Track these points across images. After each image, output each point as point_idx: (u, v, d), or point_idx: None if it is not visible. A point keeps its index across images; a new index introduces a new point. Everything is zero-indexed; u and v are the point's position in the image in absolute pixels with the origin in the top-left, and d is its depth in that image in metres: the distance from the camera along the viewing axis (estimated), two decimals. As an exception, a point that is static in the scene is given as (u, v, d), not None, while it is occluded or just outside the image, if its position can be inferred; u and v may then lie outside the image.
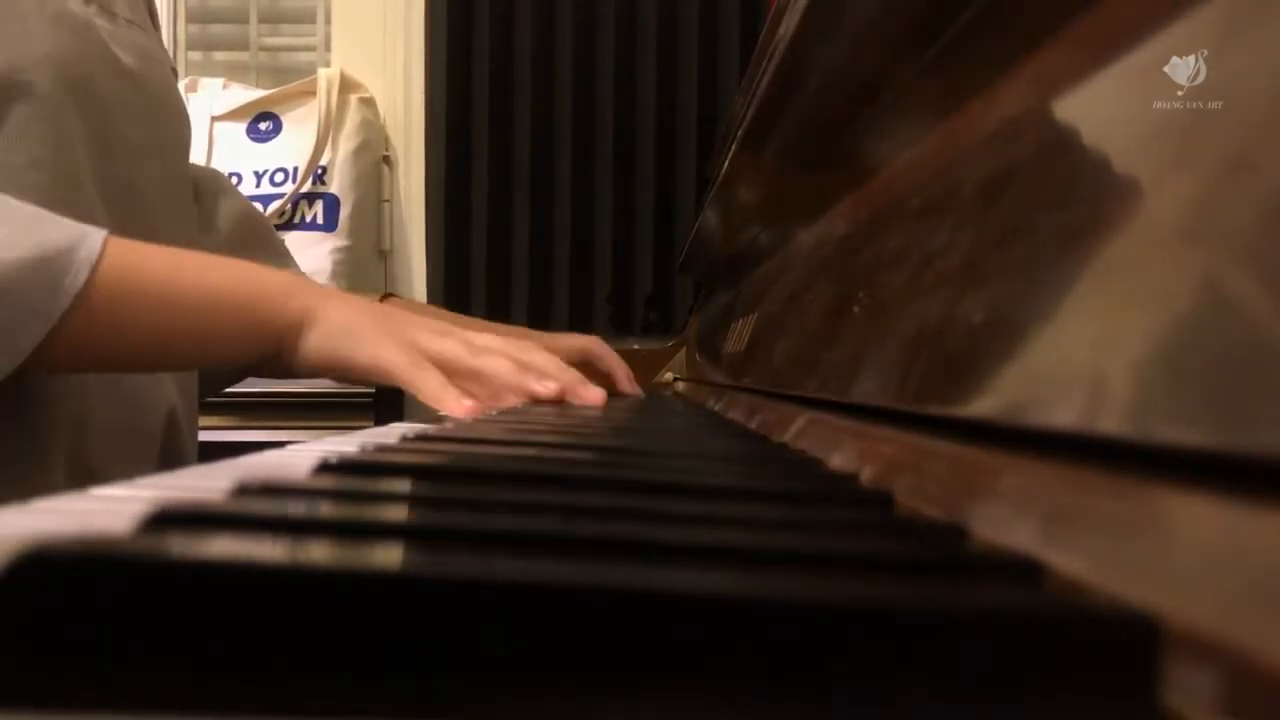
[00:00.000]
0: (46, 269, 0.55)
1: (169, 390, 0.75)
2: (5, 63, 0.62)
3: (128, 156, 0.71)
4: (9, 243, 0.54)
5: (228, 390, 0.94)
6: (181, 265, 0.63)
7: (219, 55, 2.05)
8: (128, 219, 0.69)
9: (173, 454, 0.76)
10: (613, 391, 0.89)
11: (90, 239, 0.57)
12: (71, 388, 0.65)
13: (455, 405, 0.60)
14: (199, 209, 0.89)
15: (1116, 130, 0.26)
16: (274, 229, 1.02)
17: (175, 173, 0.78)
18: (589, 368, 0.88)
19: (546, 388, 0.66)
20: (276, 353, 0.65)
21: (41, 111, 0.63)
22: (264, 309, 0.64)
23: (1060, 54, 0.33)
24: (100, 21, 0.70)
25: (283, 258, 0.95)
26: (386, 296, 1.03)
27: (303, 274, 0.95)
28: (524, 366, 0.66)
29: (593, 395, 0.69)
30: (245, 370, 0.87)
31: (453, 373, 0.63)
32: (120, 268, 0.58)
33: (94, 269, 0.56)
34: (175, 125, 0.80)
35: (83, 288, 0.56)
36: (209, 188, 0.91)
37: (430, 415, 0.64)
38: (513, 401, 0.65)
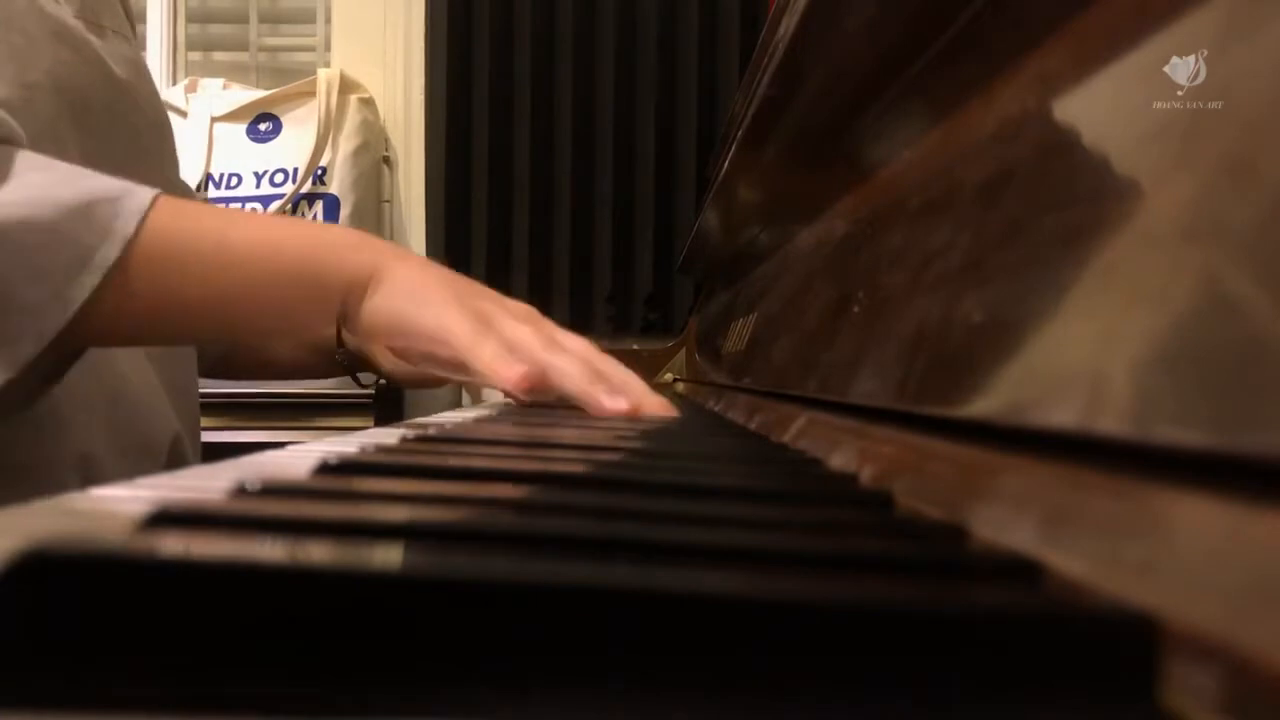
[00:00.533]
0: (95, 213, 0.52)
1: (171, 419, 0.73)
2: (13, 78, 0.60)
3: (122, 171, 0.70)
4: (53, 186, 0.51)
5: (228, 390, 0.93)
6: (236, 221, 0.59)
7: (219, 55, 2.05)
8: None
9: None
10: None
11: (139, 190, 0.54)
12: (78, 419, 0.63)
13: (508, 371, 0.53)
14: None
15: (1116, 130, 0.26)
16: None
17: (168, 185, 0.77)
18: None
19: (616, 404, 0.57)
20: (341, 312, 0.59)
21: (41, 131, 0.60)
22: (328, 262, 0.58)
23: (1060, 54, 0.33)
24: (92, 37, 0.68)
25: None
26: None
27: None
28: (598, 375, 0.57)
29: (658, 406, 0.60)
30: (303, 362, 0.85)
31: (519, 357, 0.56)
32: (172, 220, 0.54)
33: (144, 218, 0.53)
34: (165, 135, 0.79)
35: (134, 235, 0.52)
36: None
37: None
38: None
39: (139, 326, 0.57)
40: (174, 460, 0.73)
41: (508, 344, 0.56)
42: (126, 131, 0.70)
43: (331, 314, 0.59)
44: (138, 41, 0.82)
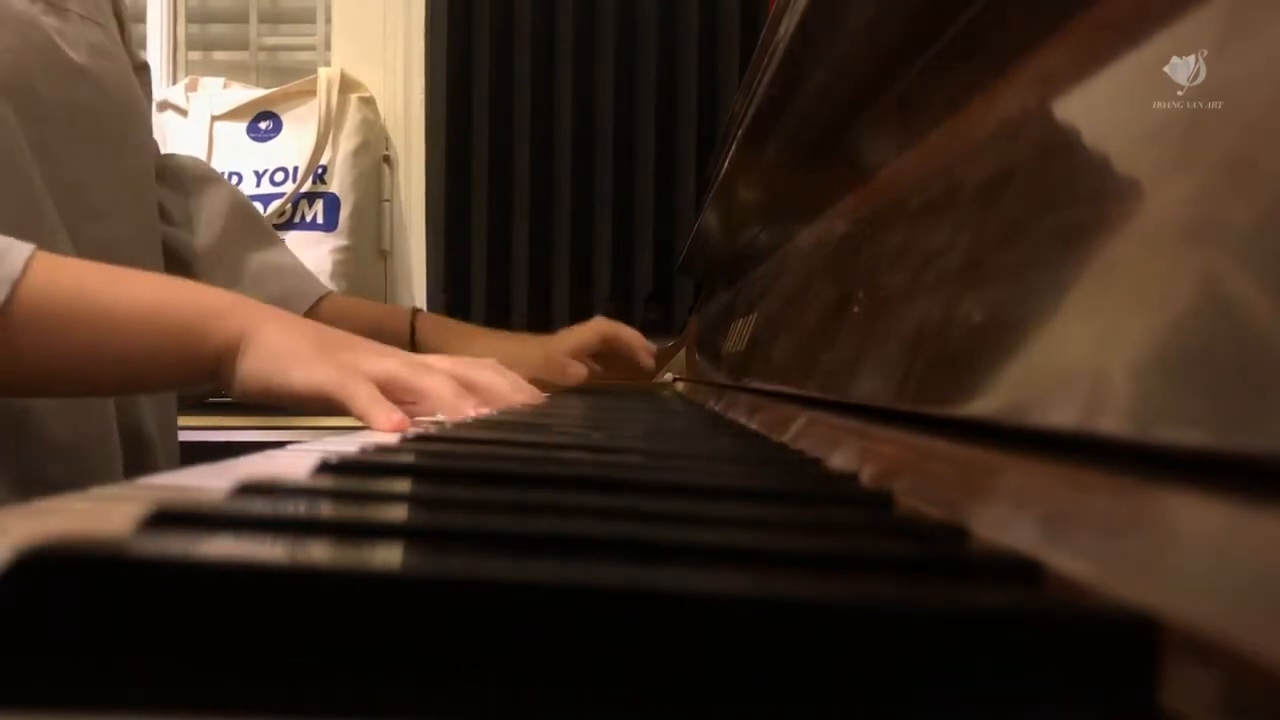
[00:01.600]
0: None
1: (129, 401, 0.72)
2: None
3: (74, 158, 0.69)
4: None
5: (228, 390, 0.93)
6: (114, 282, 0.59)
7: (219, 55, 2.05)
8: (78, 221, 0.68)
9: (141, 466, 0.73)
10: (635, 365, 0.92)
11: (11, 255, 0.54)
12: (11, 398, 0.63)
13: (384, 418, 0.56)
14: (178, 201, 0.86)
15: (1116, 130, 0.26)
16: (263, 217, 0.99)
17: (130, 171, 0.76)
18: (609, 349, 0.89)
19: (481, 414, 0.61)
20: (214, 377, 0.61)
21: None
22: (199, 329, 0.60)
23: (1060, 54, 0.33)
24: (49, 20, 0.67)
25: (275, 244, 0.93)
26: (417, 313, 0.99)
27: (292, 259, 0.92)
28: (469, 387, 0.62)
29: (528, 398, 0.67)
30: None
31: (391, 391, 0.59)
32: (46, 285, 0.55)
33: (14, 286, 0.53)
34: (133, 121, 0.77)
35: (2, 304, 0.53)
36: (194, 178, 0.88)
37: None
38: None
39: (15, 388, 0.59)
40: (134, 445, 0.73)
41: (379, 382, 0.59)
42: (84, 119, 0.69)
43: (207, 375, 0.61)
44: (120, 27, 0.80)
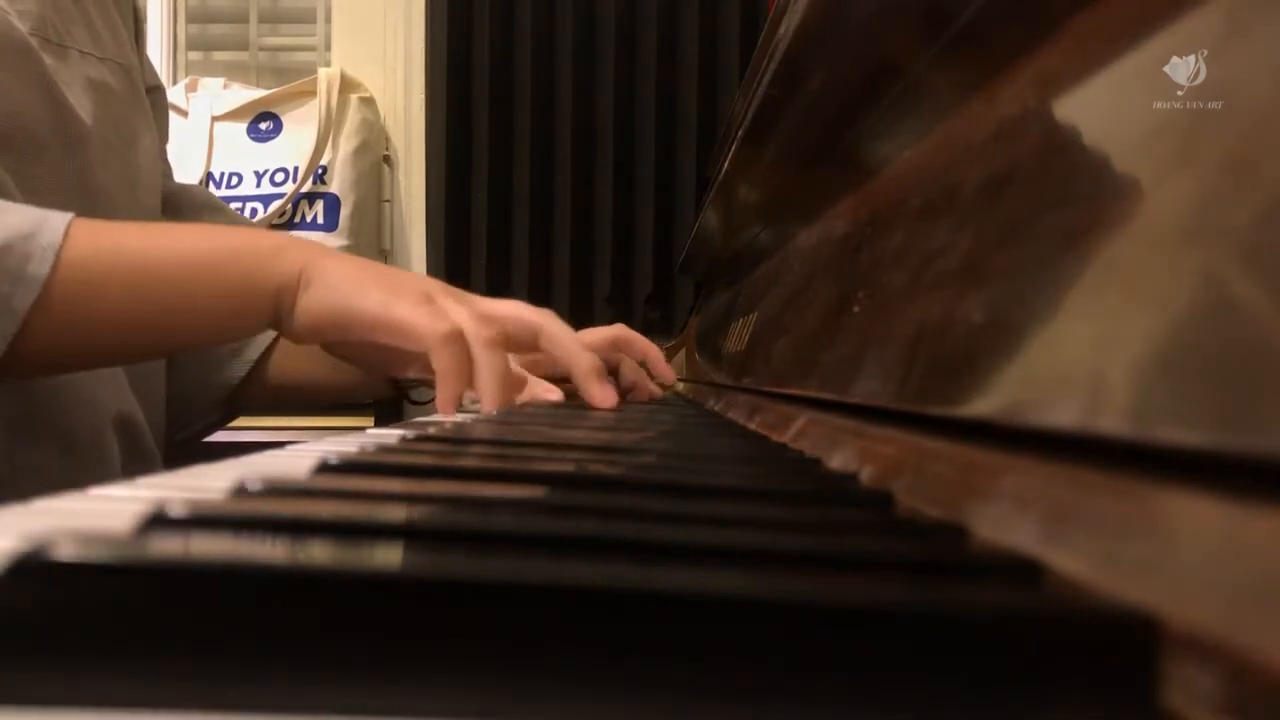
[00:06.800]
0: (6, 258, 0.51)
1: (118, 395, 0.71)
2: None
3: (64, 202, 0.67)
4: None
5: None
6: (156, 237, 0.58)
7: (219, 55, 2.05)
8: None
9: (136, 461, 0.72)
10: (648, 374, 0.88)
11: (52, 221, 0.53)
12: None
13: (458, 387, 0.55)
14: None
15: (1116, 130, 0.26)
16: None
17: (120, 212, 0.73)
18: (621, 355, 0.86)
19: (553, 392, 0.61)
20: (275, 317, 0.59)
21: None
22: (254, 268, 0.58)
23: (1060, 54, 0.33)
24: (46, 56, 0.65)
25: None
26: None
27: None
28: (565, 352, 0.63)
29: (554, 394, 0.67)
30: (225, 402, 0.82)
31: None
32: (88, 248, 0.54)
33: (59, 253, 0.52)
34: (131, 161, 0.74)
35: (49, 274, 0.52)
36: (193, 206, 0.86)
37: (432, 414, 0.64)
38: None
39: (72, 357, 0.57)
40: (129, 438, 0.71)
41: (454, 332, 0.57)
42: (78, 159, 0.67)
43: (265, 318, 0.59)
44: (136, 49, 0.79)
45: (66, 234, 0.53)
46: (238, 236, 0.61)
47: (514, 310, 0.64)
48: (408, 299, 0.58)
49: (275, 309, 0.59)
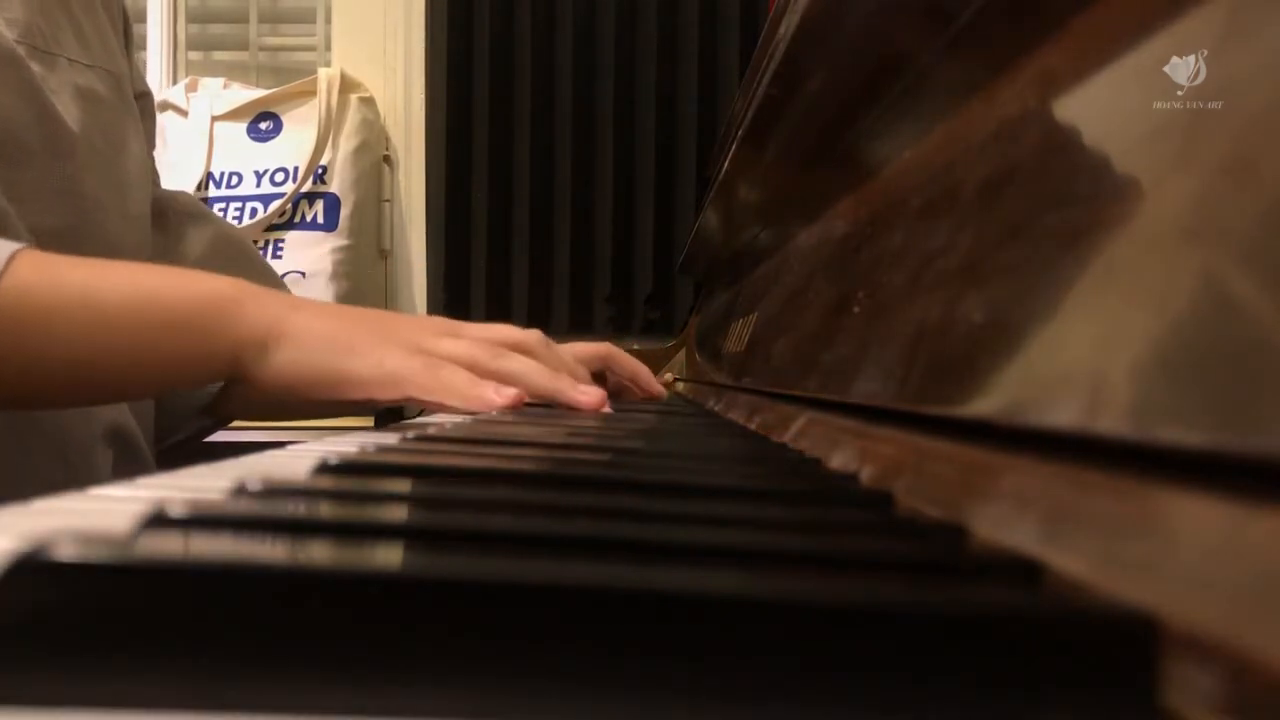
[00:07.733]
0: None
1: (112, 406, 0.68)
2: None
3: (48, 212, 0.63)
4: None
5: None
6: (107, 275, 0.54)
7: (219, 55, 2.05)
8: None
9: (127, 468, 0.70)
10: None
11: None
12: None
13: (495, 396, 0.52)
14: (161, 236, 0.81)
15: (1116, 130, 0.26)
16: (259, 254, 0.93)
17: (105, 224, 0.71)
18: (607, 372, 0.83)
19: (589, 397, 0.58)
20: (231, 373, 0.55)
21: None
22: (211, 318, 0.54)
23: (1060, 54, 0.33)
24: (33, 64, 0.64)
25: (268, 281, 0.86)
26: None
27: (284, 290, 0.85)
28: (556, 369, 0.60)
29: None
30: (206, 412, 0.77)
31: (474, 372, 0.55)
32: (30, 282, 0.51)
33: None
34: (116, 172, 0.72)
35: None
36: (177, 213, 0.83)
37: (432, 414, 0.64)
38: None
39: (14, 390, 0.54)
40: (122, 446, 0.69)
41: (463, 363, 0.55)
42: (66, 167, 0.65)
43: (220, 371, 0.56)
44: (123, 57, 0.78)
45: (9, 263, 0.50)
46: (194, 281, 0.57)
47: (504, 333, 0.62)
48: (398, 351, 0.55)
49: (233, 363, 0.55)
